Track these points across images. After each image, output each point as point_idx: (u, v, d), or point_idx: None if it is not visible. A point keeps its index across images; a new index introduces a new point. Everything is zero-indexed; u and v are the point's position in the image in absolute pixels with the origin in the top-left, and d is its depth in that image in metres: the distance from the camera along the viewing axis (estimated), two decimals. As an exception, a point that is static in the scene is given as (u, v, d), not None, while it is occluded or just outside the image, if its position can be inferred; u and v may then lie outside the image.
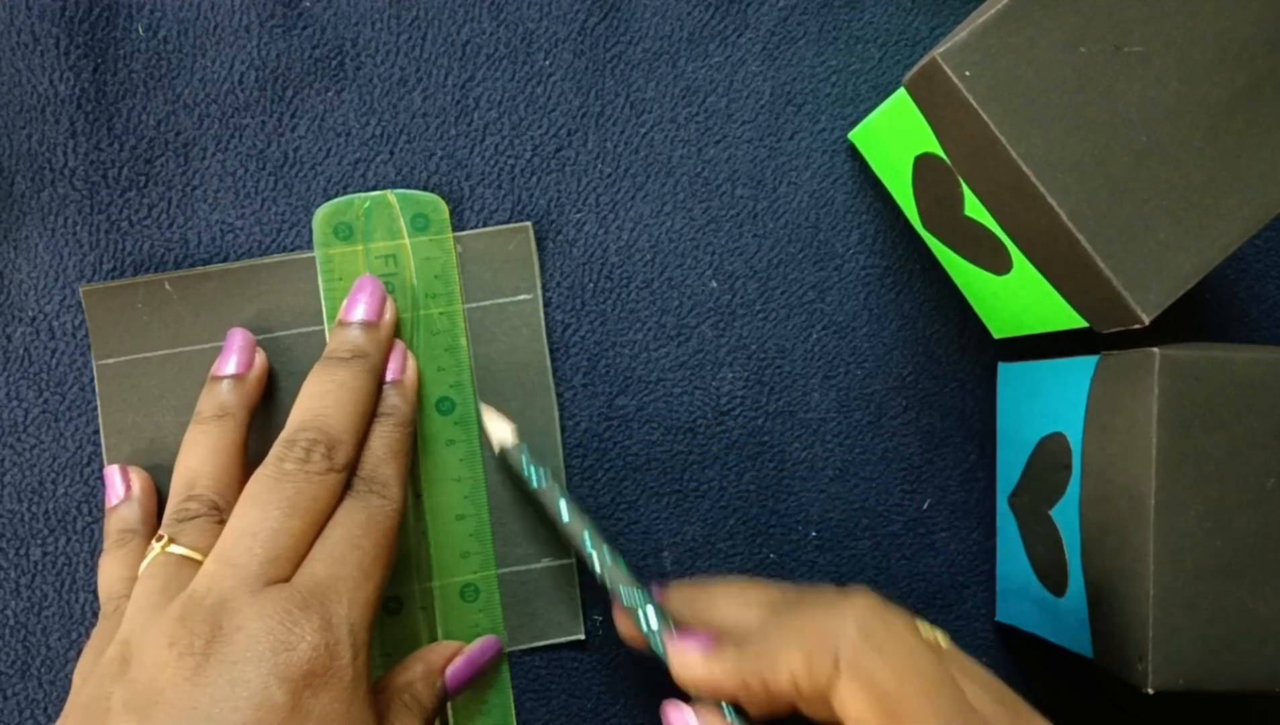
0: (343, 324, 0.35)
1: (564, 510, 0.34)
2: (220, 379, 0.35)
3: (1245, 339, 0.41)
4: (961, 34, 0.31)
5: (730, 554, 0.39)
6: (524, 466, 0.35)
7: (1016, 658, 0.40)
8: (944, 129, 0.33)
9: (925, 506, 0.40)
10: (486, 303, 0.37)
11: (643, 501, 0.38)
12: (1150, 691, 0.31)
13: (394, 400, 0.34)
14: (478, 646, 0.36)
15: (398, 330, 0.36)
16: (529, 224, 0.38)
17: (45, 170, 0.36)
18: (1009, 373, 0.40)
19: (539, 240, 0.38)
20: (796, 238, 0.39)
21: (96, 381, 0.36)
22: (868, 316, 0.40)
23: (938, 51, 0.31)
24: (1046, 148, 0.31)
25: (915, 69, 0.32)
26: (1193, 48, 0.31)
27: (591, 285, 0.38)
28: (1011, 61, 0.31)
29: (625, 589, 0.33)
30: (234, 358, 0.35)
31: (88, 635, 0.36)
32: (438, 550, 0.36)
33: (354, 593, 0.30)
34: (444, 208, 0.37)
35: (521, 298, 0.38)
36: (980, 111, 0.31)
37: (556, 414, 0.38)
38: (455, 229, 0.38)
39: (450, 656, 0.35)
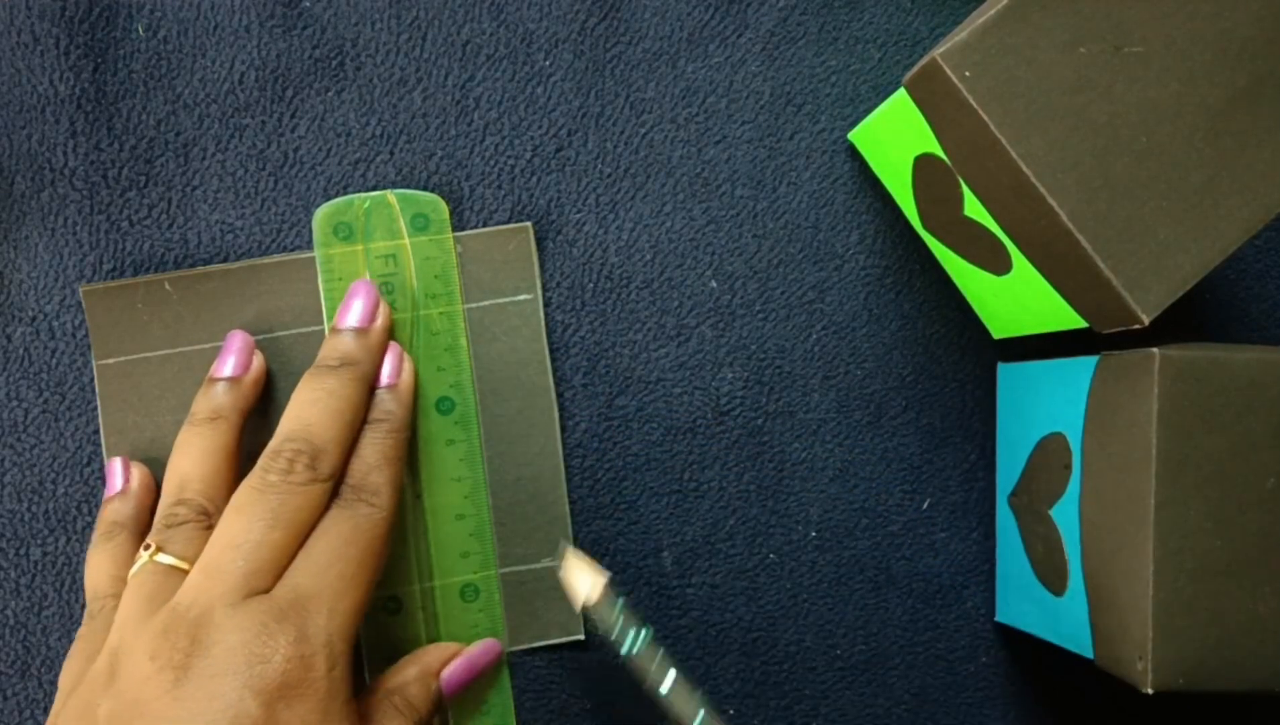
0: (334, 331, 0.35)
1: (668, 681, 0.32)
2: (216, 381, 0.35)
3: (1245, 339, 0.41)
4: (961, 34, 0.31)
5: (730, 554, 0.39)
6: (615, 627, 0.33)
7: (1016, 658, 0.40)
8: (944, 129, 0.33)
9: (925, 506, 0.40)
10: (486, 303, 0.37)
11: (643, 501, 0.38)
12: (1150, 691, 0.31)
13: (388, 405, 0.34)
14: (477, 649, 0.36)
15: (397, 331, 0.36)
16: (529, 224, 0.38)
17: (45, 170, 0.36)
18: (1009, 373, 0.40)
19: (539, 240, 0.38)
20: (796, 238, 0.39)
21: (96, 381, 0.36)
22: (868, 316, 0.40)
23: (938, 51, 0.31)
24: (1046, 148, 0.31)
25: (915, 69, 0.32)
26: (1193, 48, 0.31)
27: (591, 285, 0.38)
28: (1011, 61, 0.31)
29: None
30: (231, 360, 0.35)
31: (88, 635, 0.36)
32: (438, 550, 0.36)
33: (334, 603, 0.30)
34: (444, 207, 0.37)
35: (521, 298, 0.38)
36: (980, 111, 0.31)
37: (556, 414, 0.38)
38: (455, 229, 0.38)
39: (447, 659, 0.35)
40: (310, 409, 0.32)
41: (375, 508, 0.32)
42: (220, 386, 0.34)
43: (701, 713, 0.32)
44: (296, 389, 0.33)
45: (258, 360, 0.35)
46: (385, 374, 0.35)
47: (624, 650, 0.33)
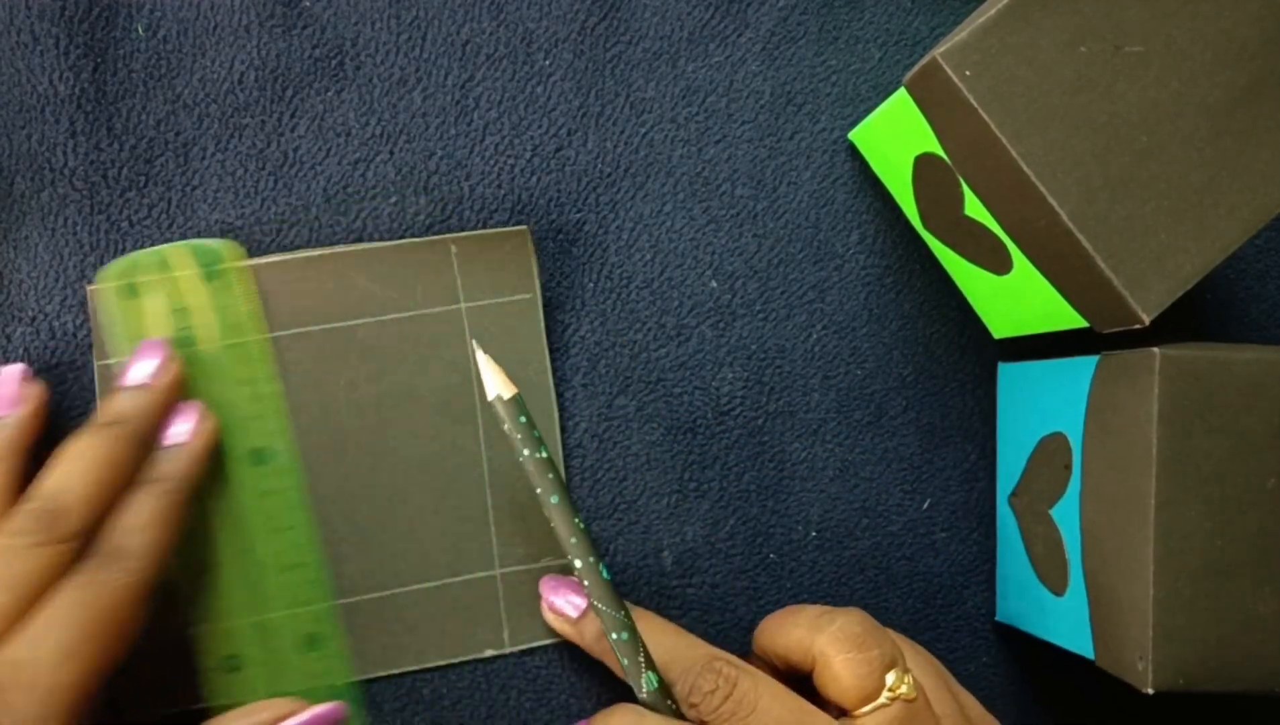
0: (117, 388, 0.34)
1: (553, 501, 0.33)
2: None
3: (1245, 339, 0.41)
4: (961, 34, 0.31)
5: (730, 554, 0.39)
6: (514, 435, 0.33)
7: (1016, 658, 0.40)
8: (944, 129, 0.33)
9: (925, 506, 0.40)
10: (485, 302, 0.37)
11: (643, 501, 0.38)
12: (1150, 691, 0.31)
13: (165, 466, 0.33)
14: (318, 711, 0.33)
15: (200, 384, 0.35)
16: (526, 228, 0.38)
17: (45, 170, 0.36)
18: (1009, 373, 0.40)
19: (539, 240, 0.38)
20: (796, 238, 0.39)
21: (96, 381, 0.36)
22: (868, 316, 0.40)
23: (938, 51, 0.31)
24: (1046, 148, 0.31)
25: (915, 69, 0.32)
26: (1193, 48, 0.31)
27: (591, 285, 0.38)
28: (1011, 61, 0.31)
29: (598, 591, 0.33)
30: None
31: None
32: (273, 603, 0.36)
33: (48, 676, 0.28)
34: (238, 252, 0.36)
35: (520, 297, 0.38)
36: (980, 111, 0.31)
37: (556, 414, 0.38)
38: (455, 228, 0.38)
39: (282, 715, 0.32)
40: (64, 467, 0.31)
41: (124, 572, 0.30)
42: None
43: (574, 539, 0.33)
44: (60, 447, 0.32)
45: (31, 391, 0.34)
46: (173, 433, 0.34)
47: (518, 457, 0.33)
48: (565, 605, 0.35)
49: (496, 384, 0.33)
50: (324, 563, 0.36)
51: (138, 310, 0.35)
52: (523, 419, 0.33)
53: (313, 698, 0.33)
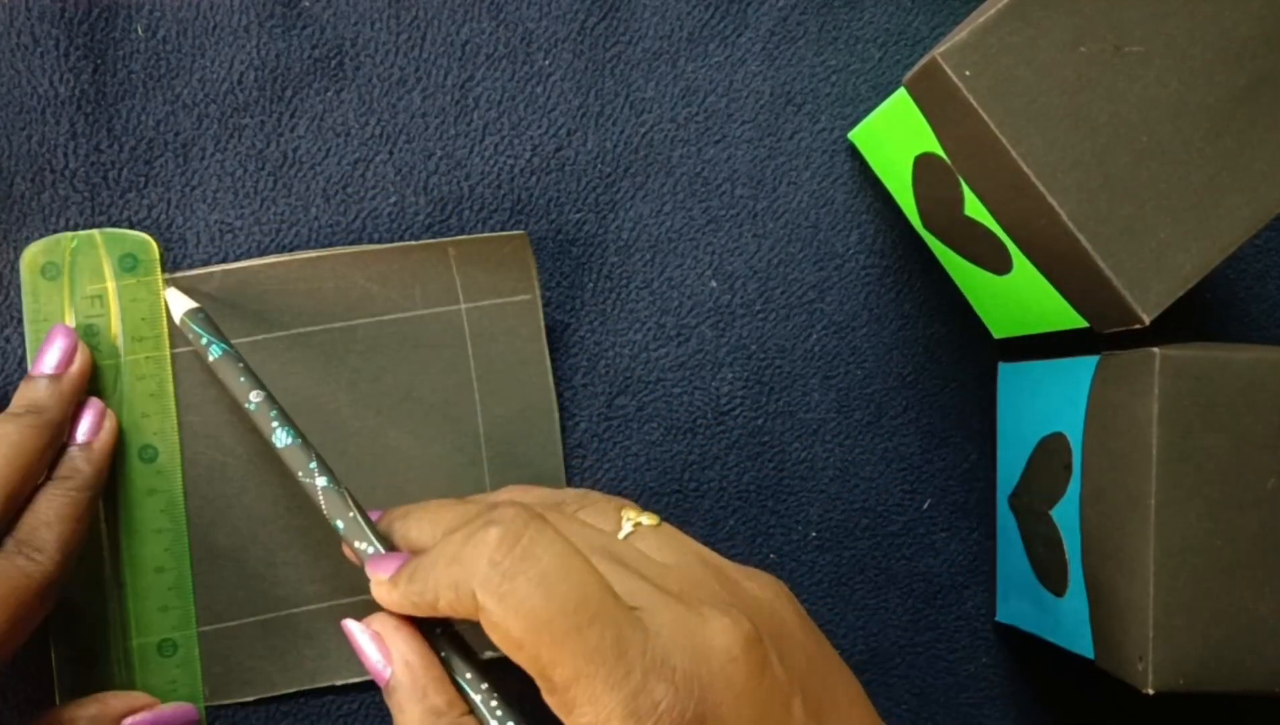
0: (28, 377, 0.34)
1: (275, 426, 0.33)
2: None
3: (1245, 339, 0.41)
4: (961, 34, 0.31)
5: (730, 554, 0.39)
6: (200, 341, 0.34)
7: (1016, 658, 0.40)
8: (944, 129, 0.33)
9: (925, 506, 0.40)
10: (485, 303, 0.37)
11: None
12: (1150, 691, 0.31)
13: (77, 463, 0.33)
14: (170, 709, 0.34)
15: (101, 376, 0.35)
16: (524, 233, 0.37)
17: (45, 171, 0.36)
18: (1009, 373, 0.40)
19: (538, 240, 0.38)
20: (796, 238, 0.39)
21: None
22: (868, 316, 0.40)
23: (938, 51, 0.31)
24: (1046, 148, 0.31)
25: (915, 69, 0.32)
26: (1193, 48, 0.31)
27: (591, 285, 0.38)
28: (1011, 61, 0.31)
29: (335, 505, 0.32)
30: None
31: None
32: (136, 603, 0.35)
33: None
34: (154, 248, 0.36)
35: (520, 298, 0.38)
36: (980, 111, 0.31)
37: (556, 414, 0.38)
38: (454, 228, 0.38)
39: (136, 708, 0.33)
40: None
41: (35, 563, 0.31)
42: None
43: (279, 428, 0.32)
44: None
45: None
46: (81, 431, 0.34)
47: (209, 359, 0.34)
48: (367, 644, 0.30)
49: (176, 306, 0.34)
50: (190, 572, 0.36)
51: (55, 291, 0.35)
52: (200, 332, 0.34)
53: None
